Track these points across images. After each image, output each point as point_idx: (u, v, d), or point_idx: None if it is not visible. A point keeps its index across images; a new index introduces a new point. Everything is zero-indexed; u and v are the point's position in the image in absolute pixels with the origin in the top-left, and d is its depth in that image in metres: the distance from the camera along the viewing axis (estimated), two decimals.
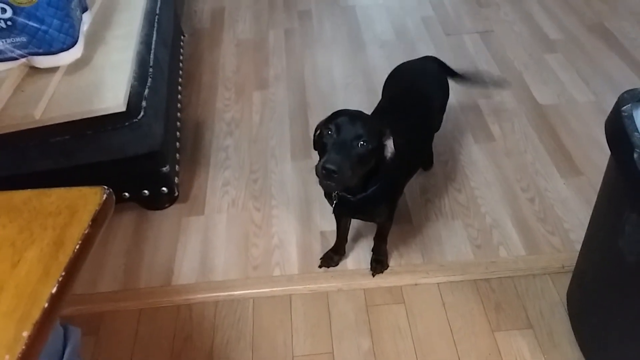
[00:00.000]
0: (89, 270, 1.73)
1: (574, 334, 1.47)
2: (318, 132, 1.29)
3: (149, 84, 1.67)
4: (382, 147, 1.27)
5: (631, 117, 1.10)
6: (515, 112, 2.21)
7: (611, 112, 1.17)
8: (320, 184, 1.24)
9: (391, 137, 1.27)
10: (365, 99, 2.29)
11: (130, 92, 1.57)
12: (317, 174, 1.18)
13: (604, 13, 2.77)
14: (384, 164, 1.29)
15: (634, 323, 1.21)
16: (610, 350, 1.33)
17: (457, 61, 2.49)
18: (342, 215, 1.58)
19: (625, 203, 1.14)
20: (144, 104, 1.59)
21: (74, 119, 1.51)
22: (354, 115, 1.23)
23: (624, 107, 1.12)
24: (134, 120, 1.54)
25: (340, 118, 1.21)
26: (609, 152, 1.23)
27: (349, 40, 2.71)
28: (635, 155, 1.03)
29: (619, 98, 1.16)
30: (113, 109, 1.50)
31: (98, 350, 1.53)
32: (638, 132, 1.07)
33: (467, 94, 2.30)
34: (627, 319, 1.22)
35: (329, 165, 1.13)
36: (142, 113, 1.57)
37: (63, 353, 0.82)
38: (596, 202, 1.38)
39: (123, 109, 1.52)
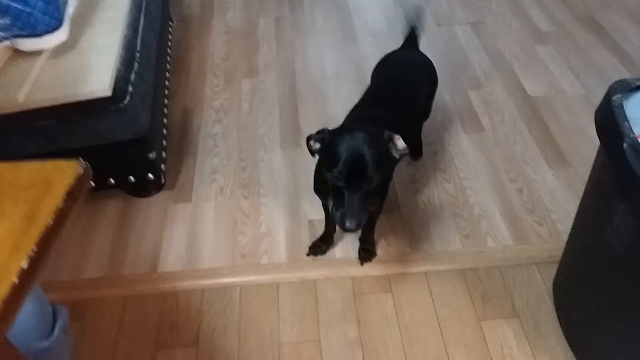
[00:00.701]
0: (73, 256, 1.71)
1: (560, 324, 1.47)
2: (314, 145, 1.26)
3: (135, 68, 1.65)
4: (390, 152, 1.25)
5: (621, 107, 1.10)
6: (505, 103, 2.21)
7: (601, 101, 1.17)
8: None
9: (397, 137, 1.24)
10: (355, 88, 2.27)
11: (116, 77, 1.55)
12: (336, 222, 1.24)
13: (595, 6, 2.77)
14: (393, 164, 1.28)
15: (620, 314, 1.21)
16: (596, 340, 1.33)
17: (448, 51, 2.48)
18: None
19: (613, 193, 1.14)
20: (130, 88, 1.57)
21: (59, 103, 1.48)
22: (357, 153, 1.16)
23: (614, 97, 1.12)
24: (120, 105, 1.52)
25: (343, 161, 1.16)
26: (597, 144, 1.23)
27: (340, 30, 2.69)
28: (625, 145, 1.03)
29: (609, 88, 1.16)
30: (98, 94, 1.48)
31: (82, 337, 1.51)
32: (627, 121, 1.06)
33: (457, 84, 2.29)
34: (614, 309, 1.23)
35: (350, 226, 1.19)
36: (128, 98, 1.54)
37: (53, 329, 0.82)
38: (584, 192, 1.37)
39: (109, 93, 1.49)
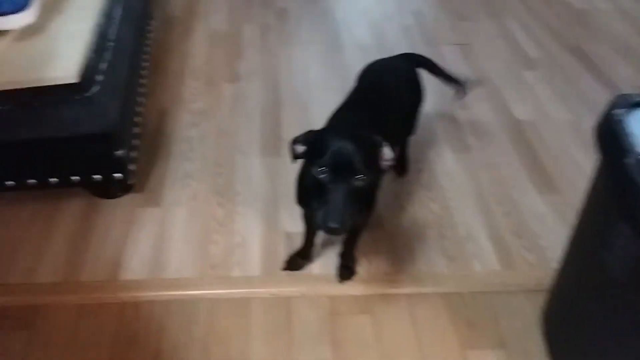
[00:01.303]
0: (27, 257, 1.57)
1: (549, 356, 1.39)
2: (299, 148, 1.20)
3: (107, 58, 1.53)
4: (378, 160, 1.18)
5: (623, 122, 1.04)
6: (493, 124, 2.16)
7: (602, 116, 1.11)
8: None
9: (386, 145, 1.18)
10: (340, 99, 2.18)
11: (85, 64, 1.42)
12: (318, 223, 1.13)
13: (582, 37, 2.76)
14: (380, 173, 1.21)
15: (617, 345, 1.13)
16: None
17: None
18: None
19: (614, 213, 1.07)
20: (99, 77, 1.45)
21: (19, 87, 1.36)
22: (345, 146, 1.10)
23: (616, 112, 1.06)
24: (87, 94, 1.40)
25: (330, 153, 1.09)
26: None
27: (326, 42, 2.62)
28: (629, 161, 0.96)
29: (611, 102, 1.10)
30: (64, 79, 1.36)
31: (30, 348, 1.37)
32: (631, 137, 1.00)
33: (444, 103, 2.23)
34: (612, 342, 1.15)
35: (332, 225, 1.08)
36: (96, 87, 1.42)
37: None
38: (579, 215, 1.30)
39: (75, 80, 1.37)
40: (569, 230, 1.63)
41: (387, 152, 1.18)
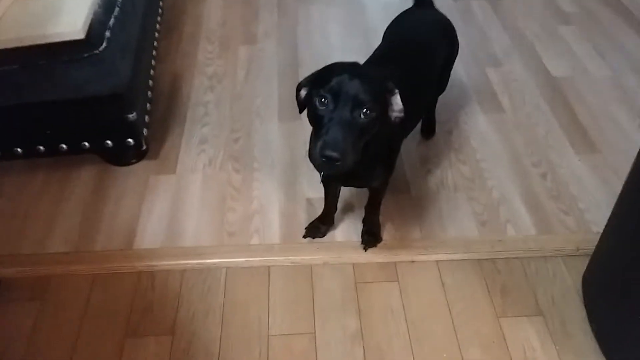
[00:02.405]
0: (39, 228, 1.52)
1: (590, 324, 1.29)
2: (303, 92, 1.10)
3: (115, 13, 1.45)
4: (387, 106, 1.07)
5: None
6: (526, 83, 2.02)
7: None
8: (317, 169, 1.10)
9: (397, 92, 1.07)
10: (362, 60, 2.08)
11: (92, 19, 1.34)
12: (313, 159, 1.00)
13: None
14: (388, 124, 1.09)
15: None
16: (635, 346, 1.15)
17: (465, 27, 2.29)
18: (332, 182, 1.37)
19: None
20: (107, 34, 1.37)
21: (24, 44, 1.28)
22: (352, 76, 0.99)
23: None
24: (95, 51, 1.32)
25: (335, 81, 0.98)
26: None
27: (348, 1, 2.49)
28: None
29: None
30: (69, 35, 1.28)
31: (42, 319, 1.32)
32: None
33: (474, 61, 2.10)
34: None
35: (329, 153, 0.95)
36: (104, 44, 1.34)
37: None
38: (630, 174, 1.17)
39: (81, 36, 1.29)
40: (609, 191, 1.52)
41: (398, 102, 1.07)
